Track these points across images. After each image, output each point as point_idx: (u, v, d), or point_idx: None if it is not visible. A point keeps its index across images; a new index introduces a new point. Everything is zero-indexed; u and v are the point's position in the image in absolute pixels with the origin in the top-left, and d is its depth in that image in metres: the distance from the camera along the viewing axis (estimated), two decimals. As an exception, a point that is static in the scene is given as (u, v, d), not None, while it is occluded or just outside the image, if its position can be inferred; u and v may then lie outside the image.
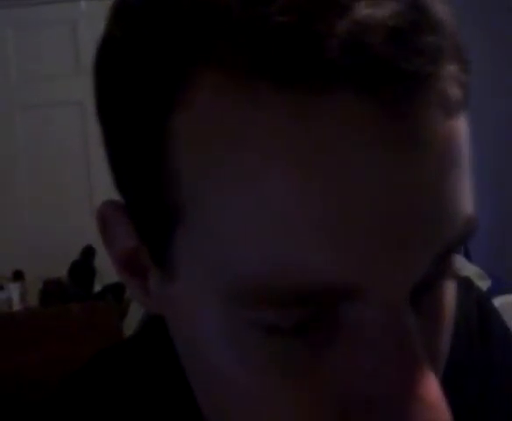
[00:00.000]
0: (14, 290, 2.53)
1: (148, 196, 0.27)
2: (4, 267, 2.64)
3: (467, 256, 1.97)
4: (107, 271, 2.25)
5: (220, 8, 0.23)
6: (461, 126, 0.25)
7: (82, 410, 0.37)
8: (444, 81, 0.24)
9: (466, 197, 0.25)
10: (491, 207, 2.28)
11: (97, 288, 2.51)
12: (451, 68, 0.24)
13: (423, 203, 0.24)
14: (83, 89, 2.82)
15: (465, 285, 0.39)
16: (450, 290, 0.28)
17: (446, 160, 0.24)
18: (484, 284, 1.55)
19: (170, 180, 0.25)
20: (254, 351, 0.25)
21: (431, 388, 0.24)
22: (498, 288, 1.45)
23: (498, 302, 1.05)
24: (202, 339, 0.27)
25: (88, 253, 2.49)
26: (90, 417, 0.36)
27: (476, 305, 0.41)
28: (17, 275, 2.63)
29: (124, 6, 0.27)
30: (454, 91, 0.24)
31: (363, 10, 0.22)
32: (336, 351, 0.25)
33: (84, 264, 2.51)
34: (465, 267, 1.63)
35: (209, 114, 0.24)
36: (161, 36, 0.25)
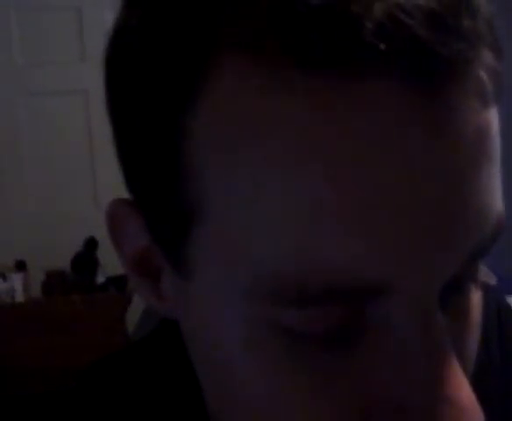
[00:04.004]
0: (17, 281, 2.52)
1: (163, 195, 0.26)
2: (7, 256, 2.64)
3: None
4: (110, 263, 2.25)
5: None
6: (494, 118, 0.24)
7: (86, 416, 0.35)
8: (482, 68, 0.23)
9: (498, 194, 0.24)
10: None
11: (100, 280, 2.51)
12: (488, 56, 0.23)
13: (455, 194, 0.23)
14: (88, 78, 2.83)
15: (484, 289, 0.39)
16: (477, 295, 0.27)
17: (480, 152, 0.23)
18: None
19: (188, 176, 0.24)
20: (279, 358, 0.24)
21: (464, 391, 0.23)
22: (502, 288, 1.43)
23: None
24: (222, 345, 0.26)
25: (91, 244, 2.48)
26: None
27: (496, 311, 0.40)
28: (20, 266, 2.63)
29: None
30: (489, 80, 0.23)
31: None
32: (363, 354, 0.24)
33: (87, 256, 2.51)
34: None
35: (233, 103, 0.23)
36: (180, 22, 0.24)
